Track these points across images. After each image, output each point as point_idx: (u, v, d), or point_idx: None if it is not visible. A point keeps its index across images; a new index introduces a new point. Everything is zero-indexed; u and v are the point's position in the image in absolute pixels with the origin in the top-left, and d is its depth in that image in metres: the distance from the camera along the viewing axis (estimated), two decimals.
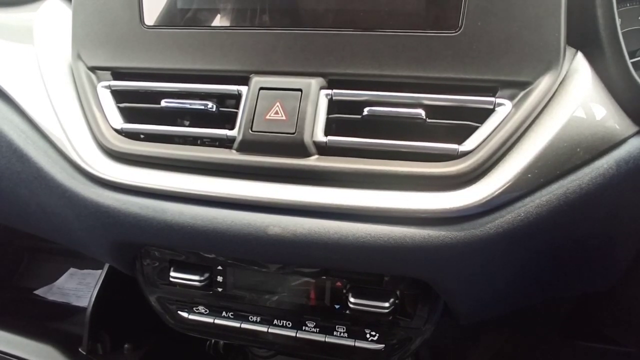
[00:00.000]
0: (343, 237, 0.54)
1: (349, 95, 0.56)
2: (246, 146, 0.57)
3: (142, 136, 0.63)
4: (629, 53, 0.53)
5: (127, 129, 0.62)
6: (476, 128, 0.53)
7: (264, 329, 0.70)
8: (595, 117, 0.52)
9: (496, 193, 0.51)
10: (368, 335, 0.67)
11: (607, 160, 0.52)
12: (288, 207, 0.56)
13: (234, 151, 0.58)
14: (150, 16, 0.62)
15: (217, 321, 0.72)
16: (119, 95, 0.64)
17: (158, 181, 0.59)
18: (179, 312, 0.74)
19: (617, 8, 0.53)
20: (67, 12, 0.70)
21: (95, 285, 0.94)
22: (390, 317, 0.64)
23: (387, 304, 0.62)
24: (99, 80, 0.65)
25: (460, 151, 0.53)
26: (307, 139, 0.55)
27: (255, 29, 0.59)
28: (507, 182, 0.51)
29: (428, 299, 0.63)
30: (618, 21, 0.53)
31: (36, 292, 1.21)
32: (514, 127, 0.52)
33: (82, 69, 0.65)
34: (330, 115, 0.57)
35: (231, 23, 0.60)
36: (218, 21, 0.61)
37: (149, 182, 0.59)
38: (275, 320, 0.70)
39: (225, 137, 0.59)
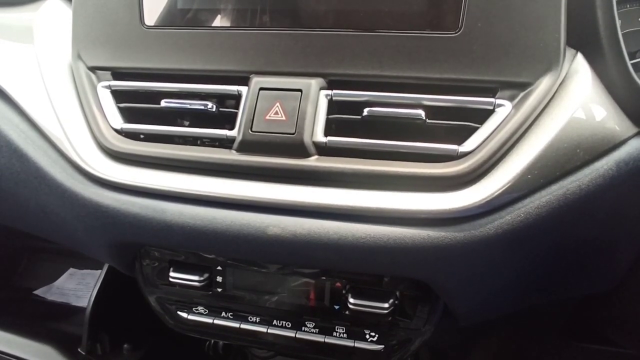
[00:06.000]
0: (342, 238, 0.54)
1: (348, 95, 0.56)
2: (246, 146, 0.57)
3: (142, 136, 0.63)
4: (628, 54, 0.53)
5: (127, 129, 0.62)
6: (476, 129, 0.53)
7: (263, 329, 0.70)
8: (595, 118, 0.52)
9: (496, 194, 0.51)
10: (368, 336, 0.67)
11: (607, 162, 0.52)
12: (288, 207, 0.56)
13: (233, 151, 0.58)
14: (151, 16, 0.62)
15: (217, 321, 0.71)
16: (119, 95, 0.64)
17: (158, 181, 0.59)
18: (179, 312, 0.74)
19: (617, 9, 0.53)
20: (67, 12, 0.70)
21: (95, 285, 0.94)
22: (390, 318, 0.64)
23: (386, 305, 0.62)
24: (99, 80, 0.65)
25: (460, 152, 0.53)
26: (306, 139, 0.55)
27: (255, 29, 0.59)
28: (507, 183, 0.51)
29: (428, 299, 0.63)
30: (618, 22, 0.53)
31: (35, 292, 1.21)
32: (514, 128, 0.52)
33: (82, 69, 0.65)
34: (330, 116, 0.56)
35: (231, 23, 0.60)
36: (218, 21, 0.61)
37: (149, 182, 0.59)
38: (275, 320, 0.70)
39: (225, 137, 0.59)
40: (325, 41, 0.56)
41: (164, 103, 0.61)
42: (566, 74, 0.54)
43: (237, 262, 0.67)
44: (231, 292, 0.69)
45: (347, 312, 0.65)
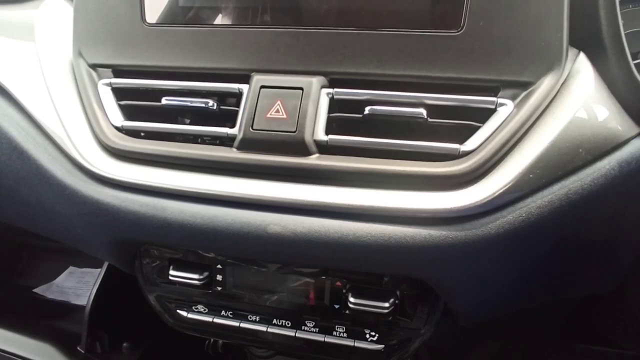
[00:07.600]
0: (343, 237, 0.54)
1: (350, 94, 0.56)
2: (247, 144, 0.57)
3: (142, 134, 0.63)
4: (631, 54, 0.53)
5: (128, 126, 0.62)
6: (478, 128, 0.53)
7: (263, 328, 0.70)
8: (598, 118, 0.52)
9: (497, 193, 0.51)
10: (367, 336, 0.67)
11: (609, 161, 0.52)
12: (288, 205, 0.55)
13: (234, 149, 0.58)
14: (152, 14, 0.62)
15: (216, 320, 0.71)
16: (119, 93, 0.64)
17: (158, 179, 0.59)
18: (178, 310, 0.73)
19: (620, 9, 0.53)
20: (68, 9, 0.70)
21: (95, 283, 0.94)
22: (390, 318, 0.64)
23: (386, 304, 0.62)
24: (100, 77, 0.65)
25: (462, 151, 0.53)
26: (307, 137, 0.55)
27: (256, 28, 0.59)
28: (509, 182, 0.51)
29: (428, 299, 0.63)
30: (621, 22, 0.53)
31: (35, 290, 1.20)
32: (516, 127, 0.52)
33: (83, 67, 0.65)
34: (332, 114, 0.56)
35: (233, 21, 0.60)
36: (220, 19, 0.61)
37: (149, 179, 0.59)
38: (275, 319, 0.70)
39: (225, 135, 0.59)
40: (326, 39, 0.56)
41: (164, 101, 0.61)
42: (568, 73, 0.53)
43: (237, 260, 0.67)
44: (231, 291, 0.69)
45: (347, 312, 0.65)
